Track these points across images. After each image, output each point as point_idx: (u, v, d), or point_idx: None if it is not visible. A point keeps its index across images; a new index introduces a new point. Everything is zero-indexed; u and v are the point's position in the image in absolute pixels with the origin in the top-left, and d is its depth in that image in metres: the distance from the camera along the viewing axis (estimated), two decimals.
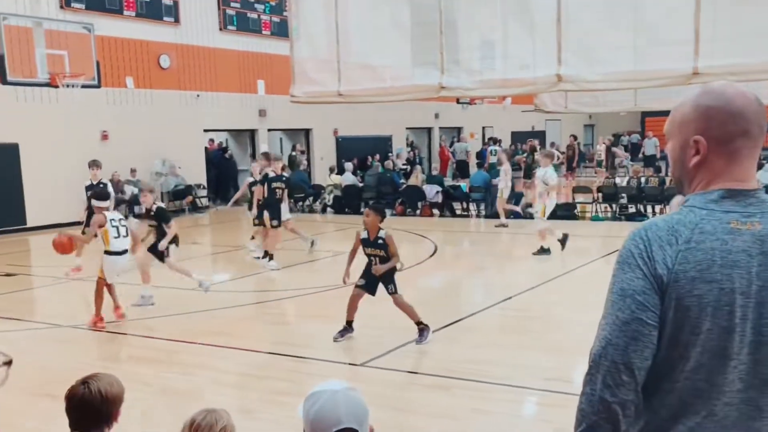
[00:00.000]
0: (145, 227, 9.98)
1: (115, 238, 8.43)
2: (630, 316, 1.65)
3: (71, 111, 17.79)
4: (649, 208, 17.41)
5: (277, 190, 12.30)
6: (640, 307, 1.64)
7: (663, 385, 1.69)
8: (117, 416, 2.90)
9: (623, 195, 17.88)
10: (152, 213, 9.42)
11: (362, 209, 19.80)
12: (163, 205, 9.79)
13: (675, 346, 1.66)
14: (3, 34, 12.84)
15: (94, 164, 12.20)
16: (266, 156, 13.12)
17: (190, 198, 21.14)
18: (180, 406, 5.70)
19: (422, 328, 7.45)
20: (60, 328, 8.69)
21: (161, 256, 9.35)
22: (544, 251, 12.56)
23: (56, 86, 14.14)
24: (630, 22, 11.15)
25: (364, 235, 7.44)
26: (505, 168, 16.51)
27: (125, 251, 8.59)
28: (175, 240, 9.64)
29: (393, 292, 7.49)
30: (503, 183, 16.50)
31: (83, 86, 14.76)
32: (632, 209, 17.63)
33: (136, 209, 19.68)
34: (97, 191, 9.46)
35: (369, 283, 7.49)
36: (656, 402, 1.70)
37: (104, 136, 19.46)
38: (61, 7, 17.83)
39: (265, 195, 12.18)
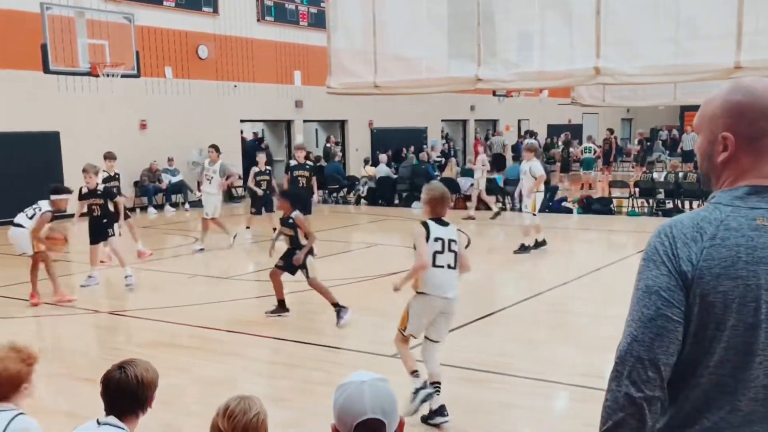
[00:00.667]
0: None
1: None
2: (655, 312, 1.65)
3: (111, 100, 18.08)
4: (687, 204, 17.17)
5: (299, 179, 12.38)
6: (665, 303, 1.65)
7: (688, 381, 1.69)
8: (151, 401, 2.96)
9: (660, 190, 17.65)
10: (98, 192, 9.95)
11: (396, 201, 20.01)
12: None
13: (700, 342, 1.66)
14: (46, 24, 13.07)
15: (109, 156, 12.66)
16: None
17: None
18: (213, 394, 5.79)
19: (338, 310, 7.87)
20: (98, 314, 8.87)
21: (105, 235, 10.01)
22: (525, 249, 12.24)
23: (97, 75, 14.37)
24: (671, 15, 10.99)
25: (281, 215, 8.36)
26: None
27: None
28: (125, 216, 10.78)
29: (307, 276, 8.05)
30: (478, 173, 17.32)
31: (123, 76, 14.98)
32: (669, 204, 17.40)
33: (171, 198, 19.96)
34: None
35: (287, 264, 8.13)
36: (681, 397, 1.71)
37: (142, 125, 19.74)
38: None
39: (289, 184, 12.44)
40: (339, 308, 7.91)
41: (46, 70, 13.63)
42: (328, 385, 6.18)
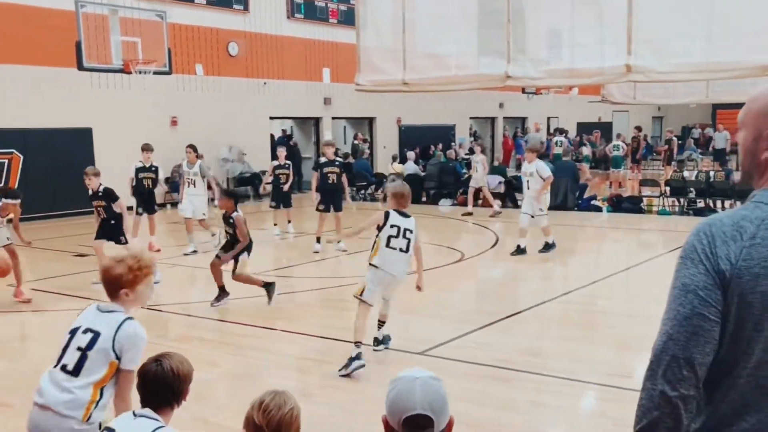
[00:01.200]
0: None
1: None
2: (691, 311, 1.64)
3: (143, 97, 18.28)
4: (719, 203, 16.96)
5: (329, 176, 12.40)
6: (702, 302, 1.63)
7: (725, 381, 1.67)
8: (186, 394, 2.99)
9: (691, 189, 17.44)
10: (99, 194, 9.88)
11: (423, 198, 19.99)
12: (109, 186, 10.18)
13: (737, 342, 1.64)
14: (81, 22, 13.24)
15: (147, 148, 12.86)
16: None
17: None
18: (243, 388, 5.85)
19: (268, 290, 8.62)
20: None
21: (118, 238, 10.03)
22: (549, 246, 11.96)
23: (129, 72, 14.52)
24: (703, 12, 10.85)
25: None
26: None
27: None
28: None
29: (233, 271, 8.63)
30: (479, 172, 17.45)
31: (155, 73, 15.12)
32: (701, 204, 17.19)
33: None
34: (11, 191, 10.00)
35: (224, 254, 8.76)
36: (718, 397, 1.69)
37: (173, 122, 19.93)
38: None
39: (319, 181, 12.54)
40: (267, 286, 8.63)
41: (80, 67, 13.80)
42: (353, 380, 6.23)
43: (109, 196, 9.93)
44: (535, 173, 11.86)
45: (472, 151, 27.24)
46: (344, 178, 12.65)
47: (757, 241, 1.62)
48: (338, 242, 12.21)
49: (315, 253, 12.22)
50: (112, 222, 9.92)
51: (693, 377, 1.63)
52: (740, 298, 1.62)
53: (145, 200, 12.88)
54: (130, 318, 3.33)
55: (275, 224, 14.56)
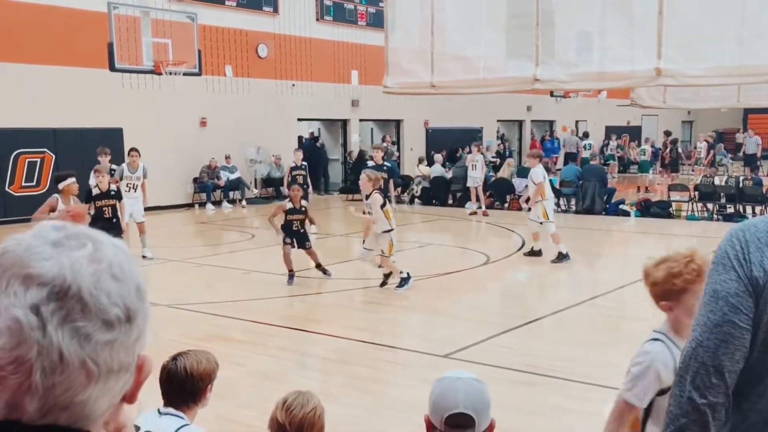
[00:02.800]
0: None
1: None
2: (721, 318, 1.61)
3: (172, 98, 18.47)
4: (749, 209, 16.73)
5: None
6: (733, 309, 1.61)
7: (754, 389, 1.65)
8: (206, 393, 2.98)
9: (721, 194, 17.23)
10: (112, 193, 9.94)
11: (450, 201, 19.96)
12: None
13: (767, 351, 1.62)
14: (113, 23, 13.44)
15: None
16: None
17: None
18: (268, 388, 5.89)
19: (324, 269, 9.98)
20: (157, 307, 9.09)
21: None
22: (563, 257, 11.57)
23: (160, 74, 14.69)
24: (736, 14, 10.70)
25: (289, 206, 9.92)
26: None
27: None
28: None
29: (309, 247, 9.97)
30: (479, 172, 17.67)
31: (185, 74, 15.29)
32: (730, 209, 16.97)
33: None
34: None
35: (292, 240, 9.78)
36: (746, 406, 1.67)
37: (203, 123, 20.12)
38: None
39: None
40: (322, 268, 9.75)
41: (112, 68, 14.00)
42: (376, 382, 6.25)
43: (119, 195, 10.06)
44: (530, 179, 11.78)
45: (499, 154, 27.25)
46: (391, 184, 12.25)
47: None
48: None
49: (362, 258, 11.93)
50: (114, 221, 9.84)
51: (722, 385, 1.61)
52: None
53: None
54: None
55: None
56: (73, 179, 8.90)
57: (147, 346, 0.92)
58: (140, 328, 0.88)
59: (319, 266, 10.04)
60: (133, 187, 12.23)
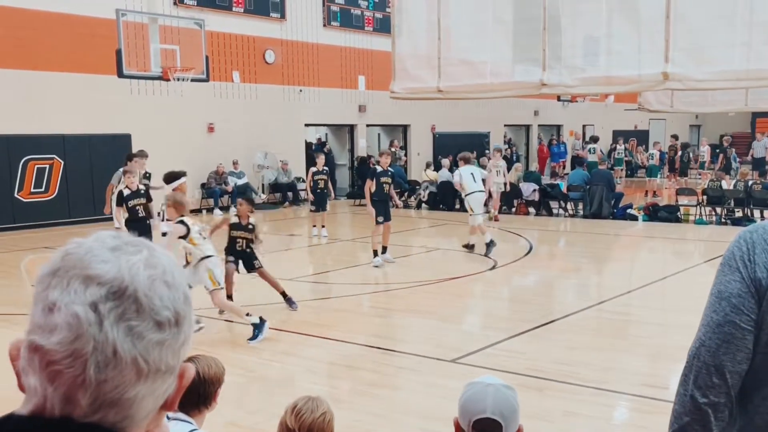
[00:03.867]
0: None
1: None
2: (723, 318, 1.62)
3: (180, 103, 18.54)
4: (757, 213, 16.66)
5: (384, 185, 12.25)
6: (735, 310, 1.61)
7: (759, 392, 1.65)
8: (215, 397, 3.01)
9: (729, 198, 17.17)
10: (142, 192, 10.06)
11: (456, 206, 19.96)
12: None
13: None
14: (121, 30, 13.50)
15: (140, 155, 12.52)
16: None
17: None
18: (276, 393, 5.90)
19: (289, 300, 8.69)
20: None
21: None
22: (489, 245, 12.51)
23: (168, 80, 14.75)
24: (743, 19, 10.69)
25: (234, 220, 8.90)
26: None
27: None
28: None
29: (259, 266, 8.72)
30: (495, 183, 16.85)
31: (192, 80, 15.34)
32: (739, 213, 16.91)
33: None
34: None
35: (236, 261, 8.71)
36: (751, 408, 1.67)
37: (210, 128, 20.18)
38: (175, 3, 18.60)
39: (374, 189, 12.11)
40: (287, 297, 8.77)
41: (120, 74, 14.06)
42: (383, 387, 6.25)
43: (149, 195, 10.10)
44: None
45: (506, 159, 27.15)
46: (391, 189, 12.42)
47: None
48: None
49: (375, 267, 11.63)
50: (147, 222, 9.93)
51: (723, 385, 1.61)
52: None
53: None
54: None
55: (314, 226, 14.93)
56: (185, 178, 9.85)
57: None
58: (186, 333, 0.92)
59: (284, 295, 8.75)
60: None
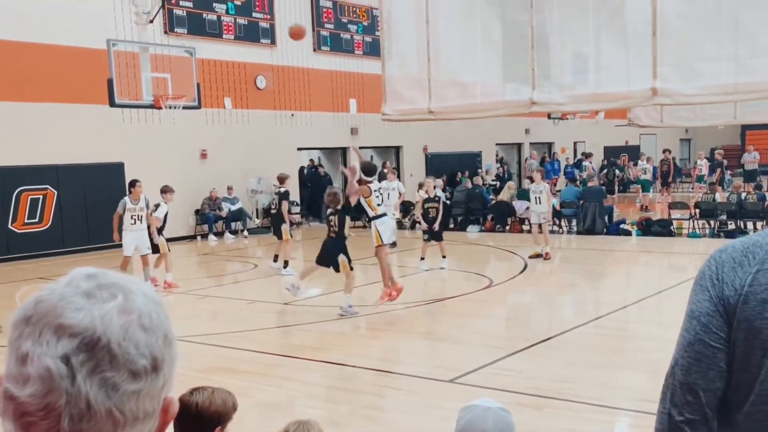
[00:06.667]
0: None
1: None
2: (694, 337, 1.64)
3: (173, 131, 18.58)
4: (750, 225, 16.73)
5: (430, 210, 13.47)
6: (704, 328, 1.63)
7: (740, 409, 1.65)
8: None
9: (720, 211, 17.23)
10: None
11: (451, 225, 20.01)
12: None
13: (748, 370, 1.62)
14: (112, 60, 13.54)
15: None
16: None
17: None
18: (271, 418, 5.87)
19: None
20: None
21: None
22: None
23: (160, 108, 14.78)
24: (730, 33, 10.78)
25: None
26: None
27: None
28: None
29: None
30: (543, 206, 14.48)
31: (184, 107, 15.38)
32: (732, 226, 16.97)
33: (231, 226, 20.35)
34: None
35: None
36: (734, 425, 1.67)
37: (203, 155, 20.22)
38: (165, 32, 18.71)
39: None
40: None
41: (112, 103, 14.09)
42: (382, 409, 6.24)
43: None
44: None
45: (498, 177, 27.33)
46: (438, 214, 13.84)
47: (765, 266, 1.60)
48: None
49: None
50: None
51: (697, 403, 1.62)
52: (747, 324, 1.59)
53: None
54: None
55: (422, 258, 14.21)
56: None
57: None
58: (166, 375, 0.90)
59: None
60: (138, 219, 12.16)
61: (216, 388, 3.01)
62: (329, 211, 9.97)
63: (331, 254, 9.68)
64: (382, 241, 9.93)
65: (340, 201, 9.82)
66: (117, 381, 0.84)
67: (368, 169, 10.41)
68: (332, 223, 9.74)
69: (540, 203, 14.46)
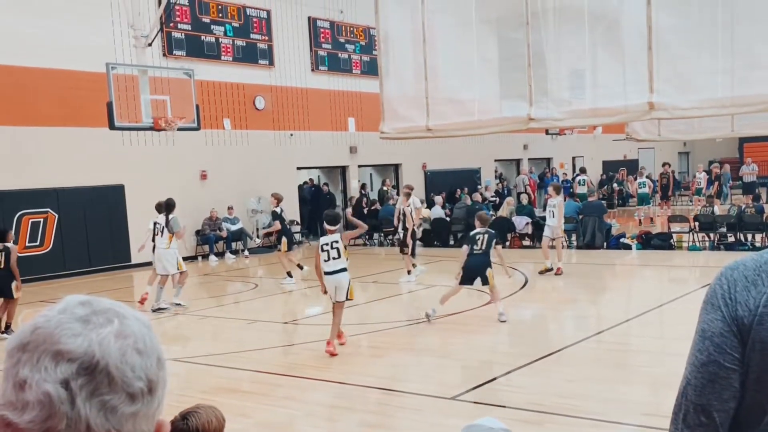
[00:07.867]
0: None
1: None
2: (707, 358, 1.62)
3: (172, 152, 18.65)
4: (749, 237, 16.74)
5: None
6: (718, 349, 1.61)
7: (754, 429, 1.63)
8: None
9: (720, 224, 17.25)
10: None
11: (451, 242, 20.02)
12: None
13: (761, 390, 1.61)
14: (111, 83, 13.62)
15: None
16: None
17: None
18: None
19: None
20: None
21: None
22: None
23: (159, 130, 14.84)
24: (725, 46, 10.84)
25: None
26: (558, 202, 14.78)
27: None
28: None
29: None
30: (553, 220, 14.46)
31: (184, 129, 15.43)
32: (731, 238, 16.98)
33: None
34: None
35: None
36: None
37: (203, 176, 20.28)
38: (164, 54, 18.83)
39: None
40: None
41: (112, 126, 14.14)
42: (384, 428, 6.23)
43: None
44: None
45: (498, 193, 27.36)
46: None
47: None
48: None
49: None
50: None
51: (711, 424, 1.61)
52: (762, 345, 1.58)
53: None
54: None
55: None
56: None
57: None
58: (160, 397, 0.93)
59: (8, 327, 10.10)
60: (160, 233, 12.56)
61: (204, 407, 3.02)
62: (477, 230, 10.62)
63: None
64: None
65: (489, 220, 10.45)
66: (115, 403, 0.85)
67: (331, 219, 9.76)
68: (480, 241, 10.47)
69: (554, 217, 14.44)
